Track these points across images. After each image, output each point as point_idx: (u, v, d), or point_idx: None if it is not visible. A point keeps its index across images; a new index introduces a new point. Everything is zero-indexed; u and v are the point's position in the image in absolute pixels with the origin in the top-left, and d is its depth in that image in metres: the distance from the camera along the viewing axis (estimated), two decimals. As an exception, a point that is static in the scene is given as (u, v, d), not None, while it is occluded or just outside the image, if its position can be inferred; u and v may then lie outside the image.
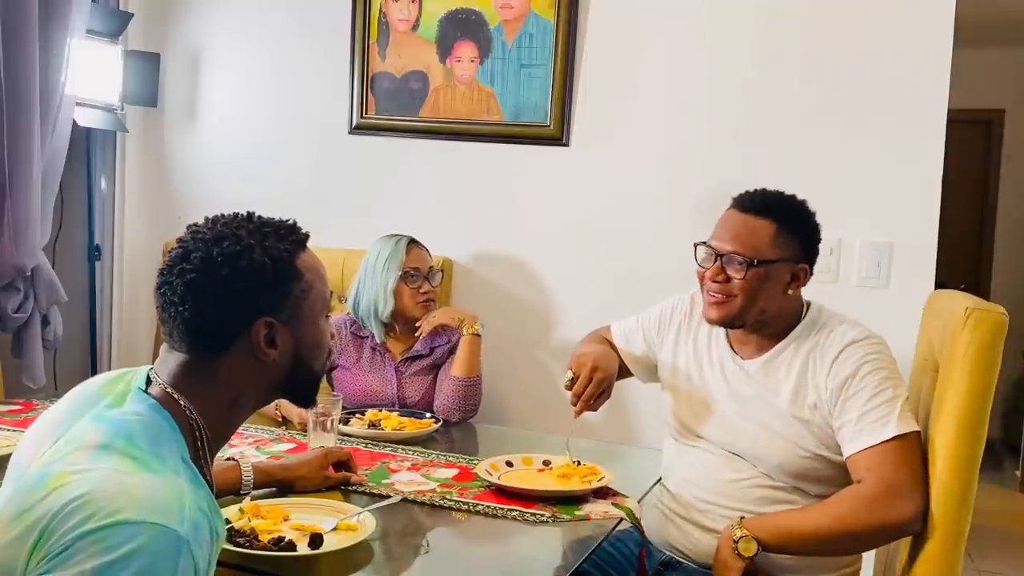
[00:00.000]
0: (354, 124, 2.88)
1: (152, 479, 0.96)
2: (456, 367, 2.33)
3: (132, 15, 2.97)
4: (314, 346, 1.18)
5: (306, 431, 1.95)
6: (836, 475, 1.64)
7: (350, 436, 2.07)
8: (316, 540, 1.39)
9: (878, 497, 1.52)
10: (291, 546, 1.38)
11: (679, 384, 1.83)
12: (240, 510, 1.50)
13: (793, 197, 1.73)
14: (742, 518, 1.61)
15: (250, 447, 1.96)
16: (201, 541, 0.96)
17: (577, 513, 1.64)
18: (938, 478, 1.51)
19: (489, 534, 1.61)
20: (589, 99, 2.63)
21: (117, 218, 3.12)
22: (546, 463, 1.86)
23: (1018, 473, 4.77)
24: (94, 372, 2.69)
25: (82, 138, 2.96)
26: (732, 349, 1.78)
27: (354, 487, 1.73)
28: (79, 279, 3.04)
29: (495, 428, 2.50)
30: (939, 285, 2.28)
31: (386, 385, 2.37)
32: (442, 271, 2.48)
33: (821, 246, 1.75)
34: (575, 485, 1.74)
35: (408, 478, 1.80)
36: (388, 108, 2.84)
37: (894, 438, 1.54)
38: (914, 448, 1.55)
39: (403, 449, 2.01)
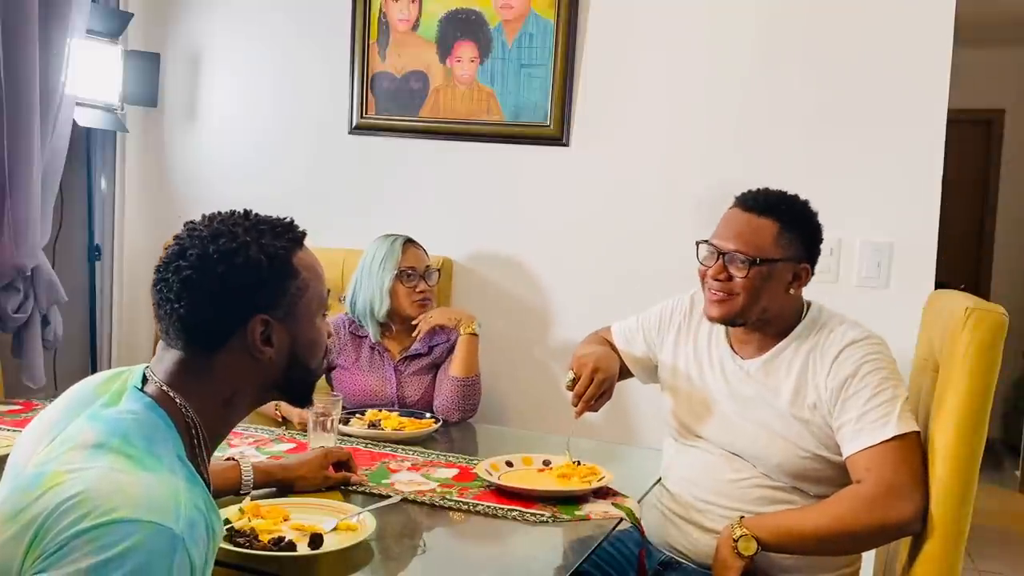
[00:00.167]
0: (354, 124, 2.88)
1: (147, 477, 0.96)
2: (454, 367, 2.33)
3: (132, 15, 2.97)
4: (310, 344, 1.18)
5: (306, 431, 1.95)
6: (836, 475, 1.64)
7: (350, 436, 2.07)
8: (316, 540, 1.39)
9: (878, 497, 1.52)
10: (291, 546, 1.38)
11: (679, 384, 1.83)
12: (240, 510, 1.50)
13: (796, 197, 1.74)
14: (742, 518, 1.61)
15: (250, 447, 1.96)
16: (197, 539, 0.96)
17: (577, 513, 1.64)
18: (938, 478, 1.51)
19: (489, 534, 1.60)
20: (589, 99, 2.63)
21: (117, 218, 3.13)
22: (546, 463, 1.86)
23: (1018, 473, 4.77)
24: (94, 372, 2.68)
25: (82, 138, 2.96)
26: (732, 349, 1.78)
27: (354, 487, 1.72)
28: (79, 279, 3.04)
29: (495, 428, 2.50)
30: (939, 285, 2.28)
31: (385, 384, 2.37)
32: (439, 270, 2.48)
33: (821, 246, 1.75)
34: (575, 485, 1.74)
35: (408, 478, 1.80)
36: (388, 108, 2.84)
37: (894, 438, 1.54)
38: (914, 448, 1.55)
39: (403, 449, 2.01)
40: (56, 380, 2.87)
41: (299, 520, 1.49)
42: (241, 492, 1.61)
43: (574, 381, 1.79)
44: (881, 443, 1.54)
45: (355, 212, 2.88)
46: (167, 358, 1.11)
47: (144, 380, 1.10)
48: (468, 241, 2.77)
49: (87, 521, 0.89)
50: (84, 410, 1.06)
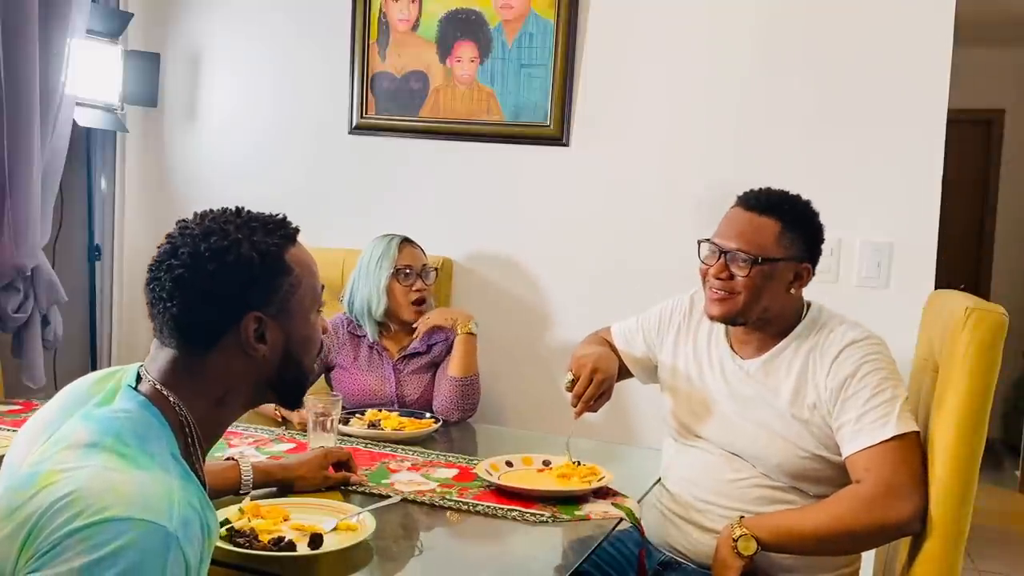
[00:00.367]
0: (354, 124, 2.88)
1: (141, 476, 0.96)
2: (452, 367, 2.33)
3: (132, 15, 2.97)
4: (305, 341, 1.17)
5: (306, 431, 1.95)
6: (835, 475, 1.64)
7: (350, 436, 2.07)
8: (316, 540, 1.39)
9: (877, 497, 1.52)
10: (291, 546, 1.38)
11: (679, 384, 1.83)
12: (240, 510, 1.50)
13: (798, 196, 1.74)
14: (741, 517, 1.61)
15: (250, 447, 1.96)
16: (191, 537, 0.95)
17: (577, 513, 1.64)
18: (938, 478, 1.51)
19: (489, 534, 1.60)
20: (589, 99, 2.63)
21: (117, 218, 3.13)
22: (546, 463, 1.86)
23: (1018, 473, 4.77)
24: (93, 372, 2.69)
25: (82, 138, 2.96)
26: (732, 349, 1.78)
27: (354, 487, 1.72)
28: (79, 279, 3.05)
29: (495, 428, 2.50)
30: (940, 285, 2.28)
31: (384, 383, 2.37)
32: (436, 269, 2.48)
33: (822, 246, 1.75)
34: (575, 485, 1.74)
35: (408, 478, 1.80)
36: (388, 108, 2.84)
37: (893, 438, 1.54)
38: (913, 448, 1.55)
39: (403, 449, 2.01)
40: (56, 380, 2.87)
41: (299, 520, 1.49)
42: (240, 492, 1.61)
43: (573, 382, 1.79)
44: (880, 443, 1.54)
45: (355, 212, 2.88)
46: (161, 357, 1.11)
47: (138, 379, 1.10)
48: (468, 241, 2.77)
49: (80, 520, 0.89)
50: (78, 409, 1.05)
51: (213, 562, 1.32)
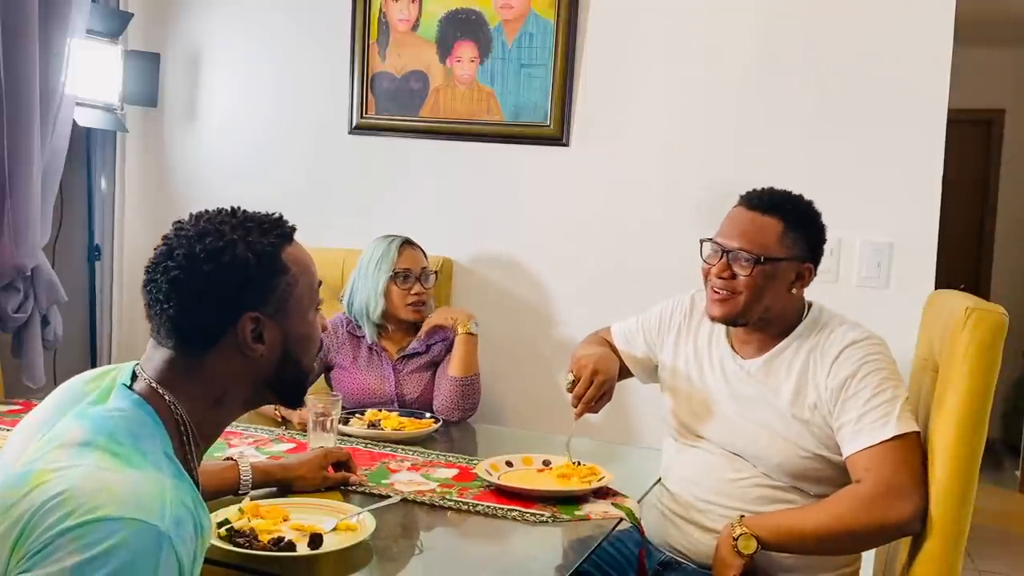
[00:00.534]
0: (354, 124, 2.88)
1: (133, 475, 0.96)
2: (453, 367, 2.33)
3: (132, 15, 2.97)
4: (303, 340, 1.17)
5: (306, 431, 1.95)
6: (836, 475, 1.64)
7: (350, 436, 2.07)
8: (316, 540, 1.39)
9: (877, 497, 1.52)
10: (291, 546, 1.38)
11: (679, 385, 1.83)
12: (240, 510, 1.50)
13: (800, 197, 1.74)
14: (742, 516, 1.61)
15: (250, 447, 1.96)
16: (184, 536, 0.95)
17: (577, 513, 1.64)
18: (938, 478, 1.51)
19: (489, 534, 1.60)
20: (589, 99, 2.63)
21: (117, 218, 3.13)
22: (546, 463, 1.86)
23: (1018, 473, 4.76)
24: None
25: (82, 138, 2.96)
26: (733, 349, 1.78)
27: (354, 487, 1.72)
28: (79, 279, 3.05)
29: (495, 428, 2.50)
30: (940, 285, 2.28)
31: (384, 383, 2.37)
32: (436, 272, 2.47)
33: (825, 246, 1.75)
34: (575, 485, 1.74)
35: (408, 478, 1.80)
36: (388, 108, 2.84)
37: (893, 438, 1.54)
38: (914, 448, 1.55)
39: (403, 449, 2.01)
40: (56, 380, 2.87)
41: (299, 520, 1.49)
42: (240, 492, 1.61)
43: (573, 383, 1.79)
44: (881, 443, 1.54)
45: (355, 212, 2.88)
46: (157, 356, 1.10)
47: (134, 377, 1.10)
48: (468, 241, 2.77)
49: (71, 519, 0.88)
50: (72, 408, 1.05)
51: (213, 562, 1.33)
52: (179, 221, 1.13)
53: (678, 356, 1.85)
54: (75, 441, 0.98)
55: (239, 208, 1.15)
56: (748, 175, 2.03)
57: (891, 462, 1.53)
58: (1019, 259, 5.56)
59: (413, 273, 2.37)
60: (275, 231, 1.13)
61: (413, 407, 2.31)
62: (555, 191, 2.68)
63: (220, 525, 1.42)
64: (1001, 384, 1.56)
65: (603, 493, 1.74)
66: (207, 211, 1.14)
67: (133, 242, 3.13)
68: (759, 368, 1.72)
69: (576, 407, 1.78)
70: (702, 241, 1.75)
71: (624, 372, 1.96)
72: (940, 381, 1.58)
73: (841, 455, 1.61)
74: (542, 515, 1.62)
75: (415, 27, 2.78)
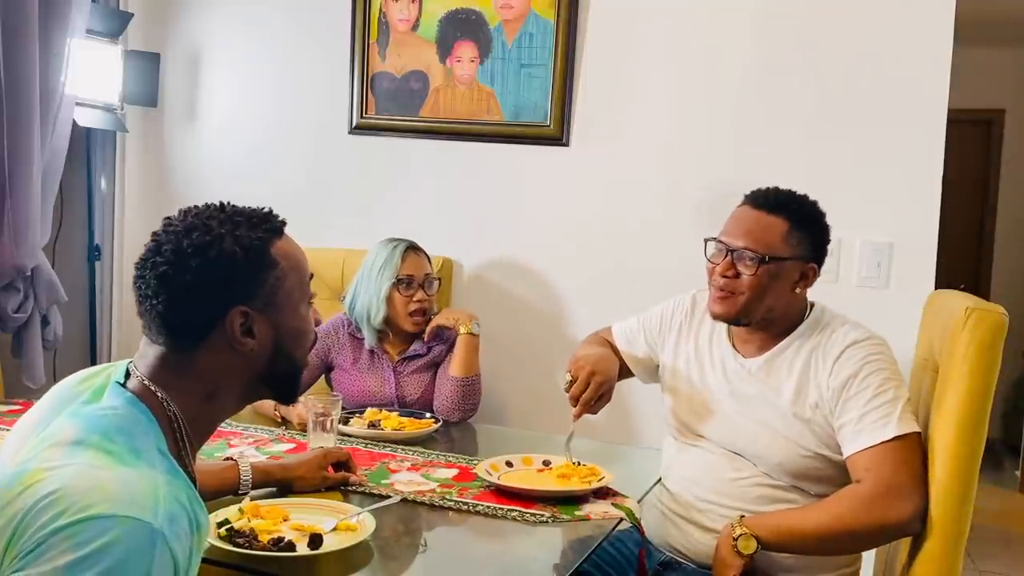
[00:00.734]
0: (354, 124, 2.88)
1: (126, 473, 0.95)
2: (454, 367, 2.33)
3: (132, 15, 2.96)
4: (295, 334, 1.16)
5: (306, 431, 1.95)
6: (836, 475, 1.64)
7: (350, 436, 2.07)
8: (316, 540, 1.39)
9: (877, 497, 1.52)
10: (291, 546, 1.38)
11: (679, 384, 1.83)
12: (240, 510, 1.50)
13: (805, 197, 1.74)
14: (742, 516, 1.61)
15: (250, 447, 1.96)
16: (179, 533, 0.94)
17: (577, 513, 1.64)
18: (938, 478, 1.50)
19: (489, 534, 1.61)
20: (589, 99, 2.63)
21: (117, 218, 3.13)
22: (546, 463, 1.86)
23: (1018, 473, 4.77)
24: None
25: (82, 138, 2.96)
26: (734, 348, 1.78)
27: (354, 487, 1.72)
28: (79, 279, 3.05)
29: (495, 428, 2.50)
30: (940, 285, 2.28)
31: (384, 385, 2.36)
32: (439, 279, 2.46)
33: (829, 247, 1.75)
34: (575, 485, 1.74)
35: (408, 478, 1.80)
36: (388, 108, 2.84)
37: (894, 439, 1.54)
38: (914, 449, 1.55)
39: (403, 449, 2.01)
40: (56, 380, 2.82)
41: (299, 520, 1.49)
42: (240, 492, 1.61)
43: (571, 383, 1.78)
44: (881, 443, 1.54)
45: (355, 212, 2.88)
46: (150, 353, 1.10)
47: (127, 375, 1.09)
48: (468, 241, 2.77)
49: (64, 518, 0.88)
50: (66, 407, 1.05)
51: (213, 562, 1.33)
52: (168, 217, 1.12)
53: (679, 356, 1.85)
54: (68, 440, 0.98)
55: (228, 203, 1.14)
56: (748, 175, 2.03)
57: (891, 462, 1.53)
58: (1019, 259, 5.56)
59: (416, 280, 2.37)
60: (264, 225, 1.13)
61: (414, 408, 2.31)
62: (555, 191, 2.68)
63: (220, 525, 1.42)
64: (1001, 384, 1.56)
65: (603, 493, 1.74)
66: (195, 206, 1.13)
67: (133, 242, 3.13)
68: (760, 367, 1.72)
69: (574, 408, 1.78)
70: (707, 240, 1.75)
71: (625, 372, 1.96)
72: (940, 381, 1.58)
73: (842, 454, 1.61)
74: (542, 515, 1.62)
75: (415, 27, 2.78)
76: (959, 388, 1.50)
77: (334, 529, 1.47)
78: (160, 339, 1.09)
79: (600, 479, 1.76)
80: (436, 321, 2.37)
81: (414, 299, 2.35)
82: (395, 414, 2.18)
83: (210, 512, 1.38)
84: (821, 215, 1.73)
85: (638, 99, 2.58)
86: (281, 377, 1.18)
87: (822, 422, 1.64)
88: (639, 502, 1.76)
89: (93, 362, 3.06)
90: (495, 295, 2.75)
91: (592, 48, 2.62)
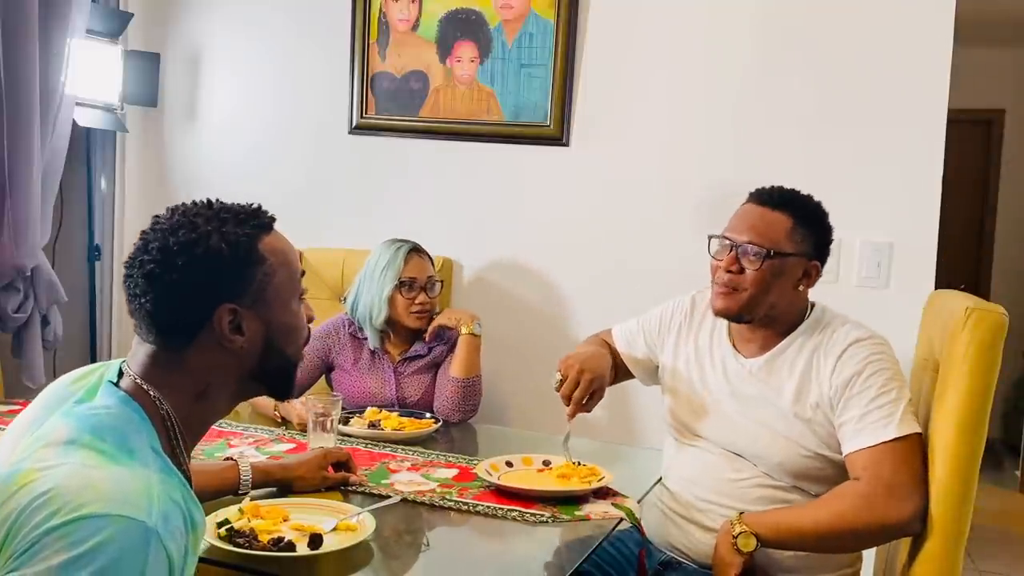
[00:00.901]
0: (354, 124, 2.88)
1: (119, 471, 0.95)
2: (454, 368, 2.33)
3: (132, 15, 2.97)
4: (287, 330, 1.15)
5: (306, 431, 1.95)
6: (837, 475, 1.64)
7: (350, 436, 2.07)
8: (316, 540, 1.39)
9: (877, 496, 1.52)
10: (291, 546, 1.38)
11: (679, 385, 1.83)
12: (240, 510, 1.50)
13: (809, 196, 1.74)
14: (741, 514, 1.61)
15: (250, 447, 1.96)
16: (173, 532, 0.94)
17: (577, 513, 1.64)
18: (938, 478, 1.51)
19: (489, 534, 1.61)
20: (589, 99, 2.63)
21: (117, 218, 3.13)
22: (546, 463, 1.86)
23: (1018, 473, 4.77)
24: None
25: (82, 138, 2.96)
26: (734, 347, 1.78)
27: (354, 487, 1.72)
28: (79, 279, 3.04)
29: (495, 428, 2.50)
30: (940, 285, 2.28)
31: (385, 386, 2.36)
32: (441, 281, 2.45)
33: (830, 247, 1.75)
34: (575, 485, 1.74)
35: (408, 478, 1.80)
36: (388, 108, 2.84)
37: (895, 439, 1.54)
38: (914, 449, 1.55)
39: (403, 449, 2.01)
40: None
41: (299, 520, 1.49)
42: (240, 492, 1.61)
43: (561, 382, 1.78)
44: (881, 443, 1.54)
45: (355, 212, 2.88)
46: (141, 352, 1.10)
47: (120, 375, 1.09)
48: (468, 241, 2.77)
49: (57, 518, 0.87)
50: (60, 407, 1.05)
51: (213, 562, 1.33)
52: (157, 216, 1.12)
53: (679, 357, 1.85)
54: (61, 440, 0.98)
55: (216, 200, 1.13)
56: (748, 175, 2.03)
57: (891, 462, 1.53)
58: (1019, 259, 5.56)
59: (419, 283, 2.36)
60: (251, 222, 1.12)
61: (414, 409, 2.31)
62: (555, 191, 2.68)
63: (220, 525, 1.42)
64: (1001, 384, 1.56)
65: (603, 493, 1.74)
66: (183, 204, 1.13)
67: (133, 242, 3.11)
68: (761, 367, 1.72)
69: (567, 407, 1.78)
70: (711, 237, 1.75)
71: (626, 373, 1.96)
72: (940, 381, 1.58)
73: (842, 454, 1.61)
74: (542, 515, 1.62)
75: (415, 27, 2.78)
76: (959, 388, 1.50)
77: (334, 529, 1.47)
78: (150, 338, 1.09)
79: (600, 479, 1.75)
80: (438, 321, 2.37)
81: (416, 301, 2.35)
82: (395, 414, 2.18)
83: (210, 512, 1.39)
84: (824, 214, 1.74)
85: (638, 99, 2.59)
86: (274, 373, 1.17)
87: (823, 421, 1.64)
88: (639, 502, 1.76)
89: (93, 362, 3.02)
90: (495, 295, 2.75)
91: (592, 48, 2.62)
